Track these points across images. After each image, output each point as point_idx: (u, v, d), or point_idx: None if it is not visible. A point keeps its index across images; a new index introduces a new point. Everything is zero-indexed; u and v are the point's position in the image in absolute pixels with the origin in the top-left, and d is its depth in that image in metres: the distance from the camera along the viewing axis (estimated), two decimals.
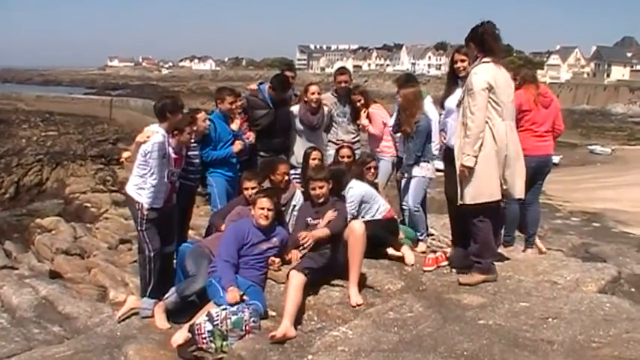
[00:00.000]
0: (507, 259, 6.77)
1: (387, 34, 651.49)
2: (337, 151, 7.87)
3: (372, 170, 7.48)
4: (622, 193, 38.70)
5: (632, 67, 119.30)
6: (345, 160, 7.68)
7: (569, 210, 34.11)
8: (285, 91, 8.14)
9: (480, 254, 6.12)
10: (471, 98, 5.75)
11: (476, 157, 5.77)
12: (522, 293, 5.77)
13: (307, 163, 7.48)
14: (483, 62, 5.85)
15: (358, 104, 8.29)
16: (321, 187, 6.38)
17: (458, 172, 5.92)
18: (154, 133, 6.23)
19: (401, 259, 6.86)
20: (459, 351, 4.46)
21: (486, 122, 5.77)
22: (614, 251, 10.14)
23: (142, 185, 6.26)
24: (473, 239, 6.15)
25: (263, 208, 6.14)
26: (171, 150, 6.55)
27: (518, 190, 6.06)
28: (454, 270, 6.54)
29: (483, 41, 5.87)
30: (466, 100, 5.84)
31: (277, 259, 6.30)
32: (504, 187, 5.94)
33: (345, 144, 8.02)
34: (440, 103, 7.26)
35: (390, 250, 6.93)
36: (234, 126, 7.66)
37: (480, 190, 5.89)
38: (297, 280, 5.62)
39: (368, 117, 8.23)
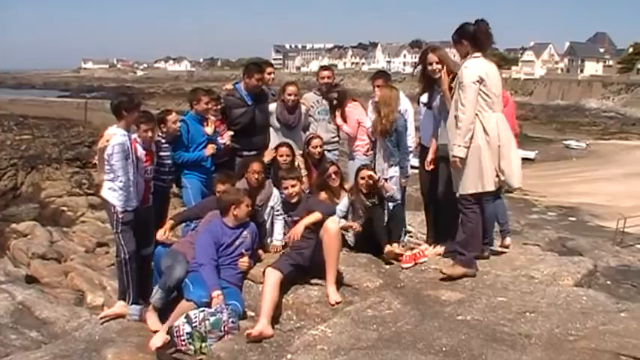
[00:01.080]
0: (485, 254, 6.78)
1: (362, 32, 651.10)
2: (308, 142, 7.87)
3: (333, 176, 7.37)
4: (597, 187, 39.23)
5: (604, 62, 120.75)
6: (318, 149, 7.70)
7: (546, 205, 34.48)
8: (262, 70, 8.12)
9: (465, 246, 6.19)
10: (461, 91, 5.84)
11: (467, 147, 5.86)
12: (500, 288, 5.82)
13: (276, 159, 7.55)
14: (474, 57, 5.94)
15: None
16: (293, 186, 6.42)
17: (451, 163, 6.00)
18: (113, 136, 6.19)
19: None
20: (438, 347, 4.49)
21: (477, 114, 5.86)
22: (590, 245, 10.25)
23: (113, 188, 6.24)
24: (462, 230, 6.20)
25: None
26: (139, 147, 6.52)
27: (516, 179, 6.09)
28: (432, 266, 6.57)
29: (476, 39, 5.95)
30: (457, 94, 5.92)
31: (247, 259, 6.26)
32: (501, 177, 6.01)
33: (314, 134, 8.02)
34: (417, 102, 7.27)
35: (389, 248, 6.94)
36: (209, 129, 7.59)
37: (472, 181, 5.97)
38: (273, 277, 5.62)
39: (342, 116, 8.22)
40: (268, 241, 6.99)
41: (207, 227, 6.28)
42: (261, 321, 5.32)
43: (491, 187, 6.01)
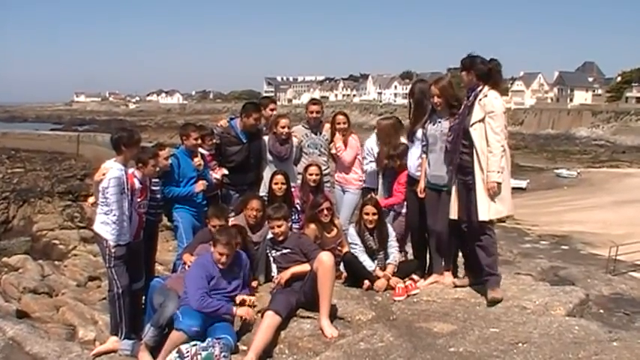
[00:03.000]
0: (477, 285, 6.79)
1: (353, 64, 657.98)
2: (305, 169, 7.85)
3: (325, 212, 7.21)
4: (589, 215, 39.23)
5: (593, 91, 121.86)
6: (313, 177, 7.70)
7: (538, 234, 34.42)
8: (260, 110, 8.13)
9: (493, 266, 6.37)
10: (492, 120, 6.07)
11: (501, 172, 6.06)
12: (492, 319, 5.82)
13: (271, 187, 7.52)
14: (491, 89, 6.17)
15: (341, 125, 8.31)
16: (279, 226, 6.48)
17: (484, 190, 6.10)
18: (110, 169, 6.21)
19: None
20: None
21: None
22: (583, 273, 10.23)
23: (106, 222, 6.23)
24: (485, 253, 6.32)
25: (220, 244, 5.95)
26: (137, 181, 6.55)
27: None
28: (424, 298, 6.57)
29: (490, 76, 6.20)
30: (483, 123, 6.09)
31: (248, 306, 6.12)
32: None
33: (313, 161, 8.00)
34: (408, 134, 7.29)
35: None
36: (197, 160, 7.58)
37: (505, 204, 6.20)
38: (272, 320, 5.65)
39: (345, 142, 8.22)
40: (261, 277, 6.98)
41: (197, 260, 6.26)
42: (249, 355, 5.33)
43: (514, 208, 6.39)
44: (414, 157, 7.08)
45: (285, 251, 6.46)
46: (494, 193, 6.07)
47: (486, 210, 6.11)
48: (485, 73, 6.18)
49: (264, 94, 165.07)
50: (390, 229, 7.28)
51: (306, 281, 6.06)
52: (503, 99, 6.48)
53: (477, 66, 6.18)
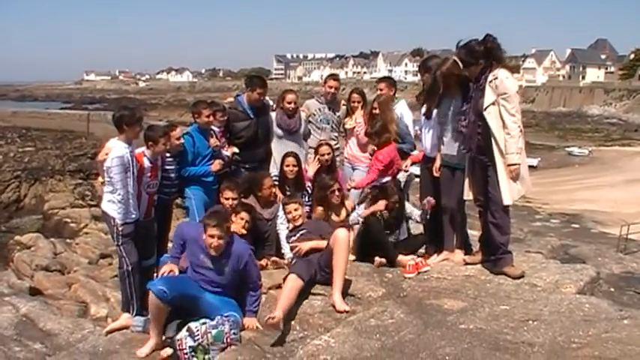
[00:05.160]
0: (488, 262, 6.79)
1: (363, 41, 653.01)
2: (317, 149, 7.82)
3: (337, 192, 7.24)
4: (600, 193, 39.15)
5: (606, 69, 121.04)
6: (326, 157, 7.68)
7: (549, 212, 34.36)
8: (265, 83, 8.09)
9: (507, 244, 6.41)
10: (507, 102, 5.98)
11: (519, 154, 6.03)
12: (502, 296, 5.82)
13: (282, 169, 7.53)
14: (500, 69, 6.07)
15: (355, 103, 8.29)
16: (296, 210, 6.72)
17: (506, 173, 6.06)
18: (112, 149, 6.21)
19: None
20: (441, 356, 4.49)
21: None
22: (593, 252, 10.20)
23: (112, 200, 6.26)
24: (499, 232, 6.32)
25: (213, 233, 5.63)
26: (146, 160, 6.56)
27: None
28: (435, 275, 6.58)
29: (492, 54, 6.09)
30: (497, 106, 6.01)
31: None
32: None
33: (323, 141, 7.93)
34: (425, 113, 7.21)
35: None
36: (213, 140, 7.56)
37: (525, 183, 6.18)
38: (295, 283, 5.78)
39: (364, 117, 8.17)
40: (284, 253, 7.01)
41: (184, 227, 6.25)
42: (277, 312, 5.32)
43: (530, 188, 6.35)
44: (428, 137, 7.05)
45: (303, 231, 6.52)
46: (516, 175, 6.06)
47: (509, 193, 6.10)
48: (485, 54, 6.09)
49: (275, 72, 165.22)
50: (407, 205, 7.29)
51: (322, 255, 6.11)
52: (515, 77, 6.42)
53: (478, 54, 6.09)
